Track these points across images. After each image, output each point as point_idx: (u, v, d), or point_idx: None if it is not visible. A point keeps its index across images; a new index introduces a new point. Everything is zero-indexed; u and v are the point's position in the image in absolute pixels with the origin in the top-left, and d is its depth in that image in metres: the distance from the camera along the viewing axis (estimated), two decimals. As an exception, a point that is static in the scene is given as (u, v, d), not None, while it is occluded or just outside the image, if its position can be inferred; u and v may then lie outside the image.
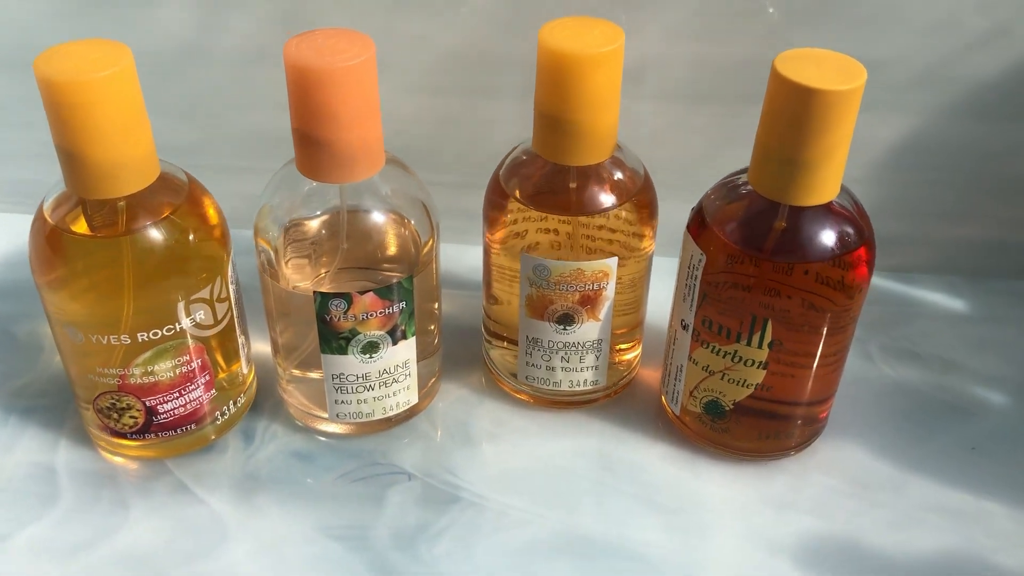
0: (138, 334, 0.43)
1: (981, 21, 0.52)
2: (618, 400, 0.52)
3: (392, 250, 0.46)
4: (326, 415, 0.49)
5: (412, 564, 0.44)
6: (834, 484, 0.48)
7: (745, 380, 0.46)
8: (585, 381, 0.50)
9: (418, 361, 0.48)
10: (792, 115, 0.40)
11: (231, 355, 0.48)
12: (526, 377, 0.50)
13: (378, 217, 0.45)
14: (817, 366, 0.46)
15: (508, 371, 0.51)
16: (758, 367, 0.45)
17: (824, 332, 0.44)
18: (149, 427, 0.46)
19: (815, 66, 0.40)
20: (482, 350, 0.54)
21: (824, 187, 0.42)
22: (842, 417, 0.51)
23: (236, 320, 0.47)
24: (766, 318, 0.44)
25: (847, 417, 0.51)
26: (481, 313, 0.53)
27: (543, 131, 0.44)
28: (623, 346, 0.51)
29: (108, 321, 0.43)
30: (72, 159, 0.40)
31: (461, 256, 0.59)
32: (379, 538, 0.45)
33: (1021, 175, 0.57)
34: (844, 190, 0.43)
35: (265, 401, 0.51)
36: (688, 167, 0.56)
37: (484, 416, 0.51)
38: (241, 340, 0.48)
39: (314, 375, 0.48)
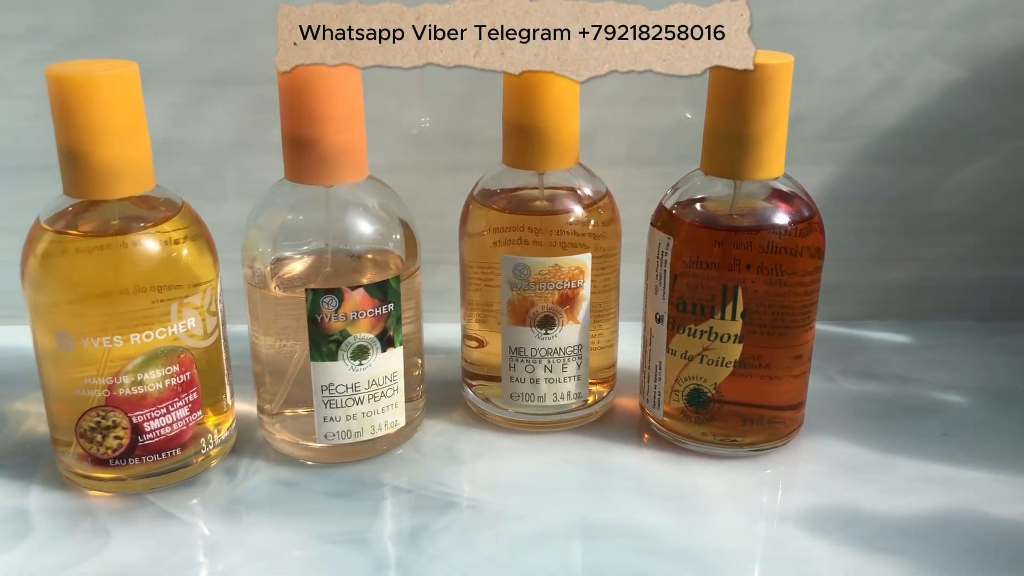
0: (131, 335, 0.43)
1: (875, 75, 0.60)
2: (599, 421, 0.53)
3: (376, 264, 0.48)
4: (314, 442, 0.48)
5: (419, 557, 0.42)
6: (822, 469, 0.49)
7: (723, 358, 0.48)
8: (568, 394, 0.51)
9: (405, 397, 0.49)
10: (735, 93, 0.45)
11: (217, 378, 0.47)
12: (510, 395, 0.51)
13: (365, 227, 0.48)
14: (787, 349, 0.48)
15: (491, 396, 0.52)
16: (734, 341, 0.47)
17: (789, 296, 0.47)
18: (134, 450, 0.45)
19: (748, 53, 0.46)
20: (463, 396, 0.54)
21: (770, 162, 0.47)
22: (815, 420, 0.52)
23: (223, 345, 0.48)
24: (736, 286, 0.46)
25: (820, 420, 0.53)
26: (459, 370, 0.55)
27: (512, 142, 0.49)
28: (592, 381, 0.53)
29: (101, 321, 0.43)
30: (75, 159, 0.42)
31: (430, 331, 0.60)
32: (379, 540, 0.44)
33: (932, 214, 0.63)
34: (788, 177, 0.48)
35: (245, 446, 0.50)
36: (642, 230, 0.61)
37: (469, 441, 0.51)
38: (225, 369, 0.48)
39: (302, 412, 0.48)
